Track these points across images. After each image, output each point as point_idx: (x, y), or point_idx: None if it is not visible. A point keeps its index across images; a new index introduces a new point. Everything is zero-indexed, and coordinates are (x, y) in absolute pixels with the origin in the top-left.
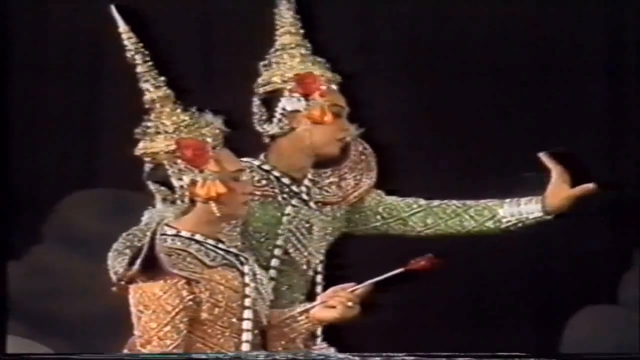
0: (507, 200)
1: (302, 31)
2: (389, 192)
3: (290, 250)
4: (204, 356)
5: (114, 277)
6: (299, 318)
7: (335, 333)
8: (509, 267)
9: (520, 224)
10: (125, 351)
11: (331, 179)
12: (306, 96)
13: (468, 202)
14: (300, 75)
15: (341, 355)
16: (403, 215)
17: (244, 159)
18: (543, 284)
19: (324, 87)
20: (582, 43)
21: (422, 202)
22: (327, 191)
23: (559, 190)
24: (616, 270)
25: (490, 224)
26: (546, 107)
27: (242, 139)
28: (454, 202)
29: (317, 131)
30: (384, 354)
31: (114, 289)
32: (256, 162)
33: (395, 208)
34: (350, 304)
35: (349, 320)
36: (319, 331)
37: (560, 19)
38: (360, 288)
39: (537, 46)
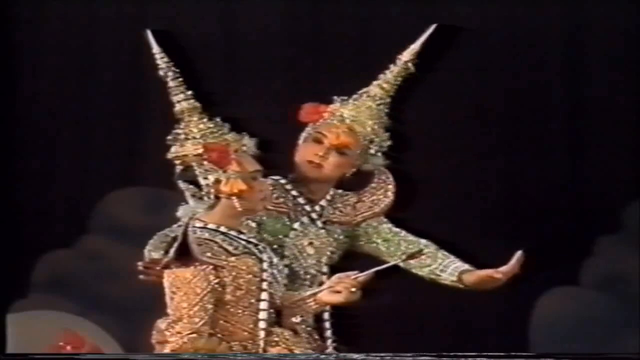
0: (452, 260)
1: (395, 86)
2: (401, 220)
3: (293, 261)
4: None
5: (141, 264)
6: (308, 300)
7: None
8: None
9: (442, 282)
10: (154, 332)
11: (349, 201)
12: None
13: (431, 246)
14: (314, 105)
15: (358, 356)
16: (377, 239)
17: (273, 177)
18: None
19: (320, 119)
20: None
21: (403, 234)
22: (341, 211)
23: (486, 272)
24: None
25: (426, 270)
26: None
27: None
28: (423, 241)
29: (299, 150)
30: (399, 354)
31: (141, 276)
32: (282, 181)
33: (377, 232)
34: (353, 289)
35: (351, 303)
36: (327, 324)
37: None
38: (362, 276)
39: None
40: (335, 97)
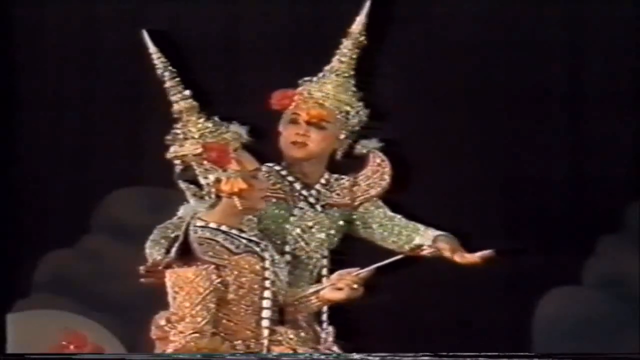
0: (433, 231)
1: (353, 59)
2: (398, 205)
3: (295, 247)
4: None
5: (143, 268)
6: (311, 298)
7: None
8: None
9: (423, 251)
10: (153, 328)
11: (346, 184)
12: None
13: (418, 226)
14: (282, 91)
15: (358, 356)
16: (373, 224)
17: (268, 164)
18: (512, 270)
19: (291, 103)
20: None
21: (397, 219)
22: (338, 194)
23: (457, 247)
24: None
25: (407, 247)
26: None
27: (266, 147)
28: (412, 223)
29: (282, 136)
30: (400, 354)
31: (142, 280)
32: (277, 167)
33: (372, 217)
34: (355, 286)
35: (354, 300)
36: (324, 317)
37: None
38: (364, 272)
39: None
40: (300, 81)
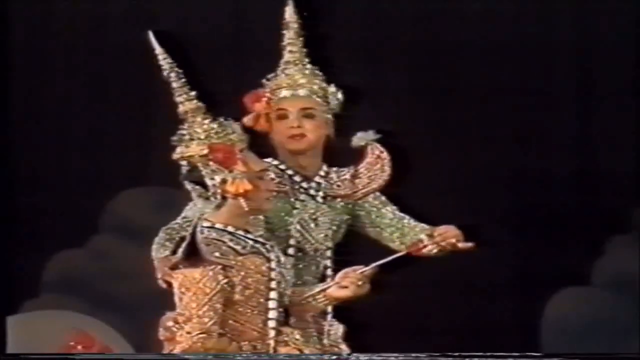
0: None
1: (302, 48)
2: (398, 197)
3: (300, 239)
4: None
5: (157, 267)
6: (317, 297)
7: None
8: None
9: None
10: (160, 330)
11: (346, 176)
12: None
13: (425, 227)
14: (253, 93)
15: (365, 357)
16: (380, 224)
17: (265, 160)
18: (521, 270)
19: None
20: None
21: (406, 220)
22: (338, 186)
23: (452, 231)
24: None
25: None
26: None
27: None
28: (420, 225)
29: (274, 134)
30: (408, 354)
31: (163, 285)
32: (275, 162)
33: (379, 216)
34: (360, 283)
35: (360, 297)
36: (329, 308)
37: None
38: (369, 269)
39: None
40: (264, 81)
